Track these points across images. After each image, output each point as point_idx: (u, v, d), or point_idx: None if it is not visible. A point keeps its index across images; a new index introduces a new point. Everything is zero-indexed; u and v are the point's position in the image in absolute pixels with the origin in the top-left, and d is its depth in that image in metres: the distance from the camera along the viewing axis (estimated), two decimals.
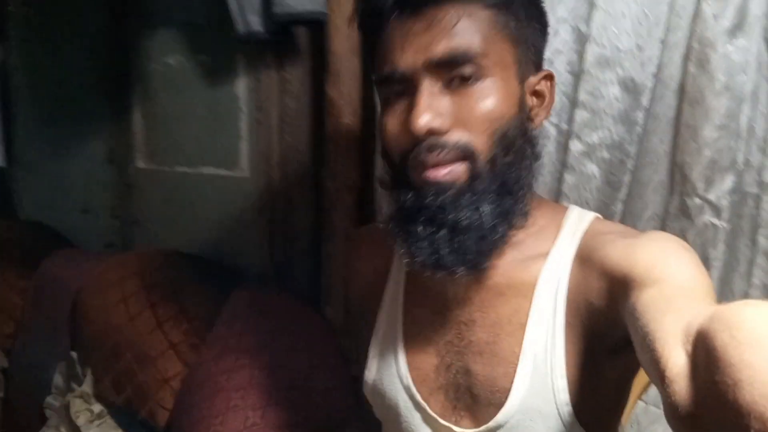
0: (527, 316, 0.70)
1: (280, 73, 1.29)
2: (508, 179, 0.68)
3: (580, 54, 0.99)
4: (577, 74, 0.99)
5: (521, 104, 0.70)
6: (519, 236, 0.73)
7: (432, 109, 0.65)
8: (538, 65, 0.74)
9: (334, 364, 1.15)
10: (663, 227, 0.96)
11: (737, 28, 0.84)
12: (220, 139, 1.40)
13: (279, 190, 1.34)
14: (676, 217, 0.93)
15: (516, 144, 0.68)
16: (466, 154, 0.66)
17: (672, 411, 0.44)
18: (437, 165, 0.66)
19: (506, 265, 0.73)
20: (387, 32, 0.69)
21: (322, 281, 1.28)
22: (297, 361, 1.12)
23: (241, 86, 1.36)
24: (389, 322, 0.82)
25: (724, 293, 0.95)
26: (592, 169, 1.01)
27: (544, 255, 0.72)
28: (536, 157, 0.73)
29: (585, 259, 0.68)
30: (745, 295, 0.93)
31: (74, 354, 1.39)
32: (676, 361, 0.44)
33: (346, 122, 1.18)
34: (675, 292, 0.54)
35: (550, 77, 0.74)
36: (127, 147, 1.54)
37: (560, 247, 0.72)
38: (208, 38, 1.35)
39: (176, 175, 1.48)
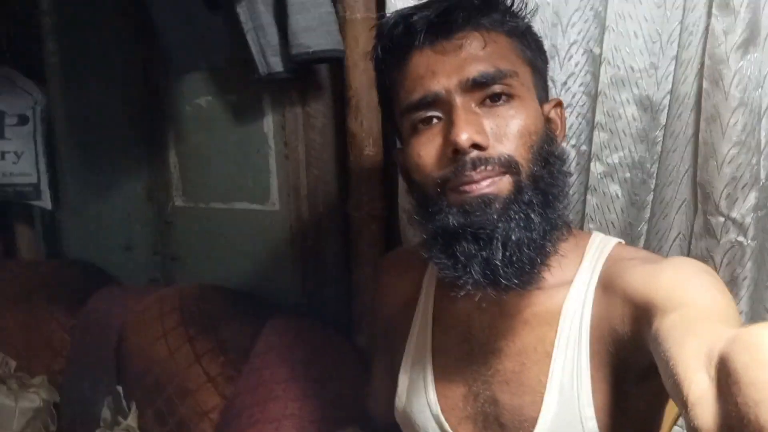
0: (553, 344, 0.71)
1: (304, 108, 1.32)
2: (549, 191, 0.69)
3: (595, 76, 0.99)
4: (593, 96, 1.00)
5: (545, 124, 0.73)
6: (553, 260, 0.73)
7: (473, 124, 0.66)
8: (547, 94, 0.78)
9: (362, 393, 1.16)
10: (689, 247, 0.95)
11: (749, 42, 0.83)
12: (250, 174, 1.44)
13: (308, 222, 1.37)
14: (702, 236, 0.92)
15: (550, 159, 0.70)
16: (510, 167, 0.67)
17: None
18: (482, 180, 0.66)
19: (530, 294, 0.73)
20: (413, 62, 0.71)
21: (352, 310, 1.30)
22: (328, 391, 1.14)
23: (268, 123, 1.40)
24: (418, 349, 0.82)
25: (758, 311, 0.93)
26: (615, 189, 1.00)
27: (568, 283, 0.72)
28: (567, 173, 0.75)
29: (608, 286, 0.69)
30: None
31: (120, 388, 1.44)
32: (699, 384, 0.44)
33: (368, 153, 1.20)
34: (697, 315, 0.53)
35: (560, 104, 0.77)
36: (164, 185, 1.60)
37: (583, 275, 0.72)
38: (234, 79, 1.40)
39: (211, 211, 1.53)
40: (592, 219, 1.03)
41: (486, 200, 0.66)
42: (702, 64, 0.89)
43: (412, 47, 0.71)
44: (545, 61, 0.79)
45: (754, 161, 0.86)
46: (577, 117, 1.02)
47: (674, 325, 0.53)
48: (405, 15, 0.72)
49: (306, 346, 1.24)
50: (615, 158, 0.99)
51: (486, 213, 0.66)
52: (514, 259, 0.65)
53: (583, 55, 1.00)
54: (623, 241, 0.77)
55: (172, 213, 1.61)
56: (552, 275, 0.72)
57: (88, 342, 1.57)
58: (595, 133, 1.00)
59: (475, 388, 0.76)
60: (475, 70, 0.67)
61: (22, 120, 1.77)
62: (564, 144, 1.01)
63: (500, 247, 0.65)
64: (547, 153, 0.70)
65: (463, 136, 0.65)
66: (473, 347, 0.77)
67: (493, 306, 0.74)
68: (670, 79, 0.92)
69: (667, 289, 0.59)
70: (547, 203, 0.68)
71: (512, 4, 0.75)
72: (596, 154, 1.00)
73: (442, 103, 0.69)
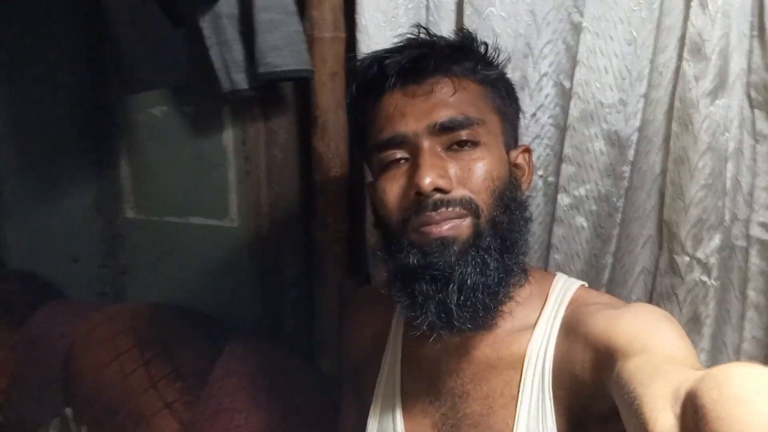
0: (518, 388, 0.71)
1: (267, 124, 1.28)
2: (508, 237, 0.71)
3: (564, 109, 0.99)
4: (562, 128, 1.00)
5: (510, 171, 0.75)
6: (507, 306, 0.73)
7: (436, 169, 0.68)
8: (516, 140, 0.80)
9: (329, 421, 1.15)
10: (653, 283, 0.97)
11: (718, 88, 0.85)
12: (208, 189, 1.40)
13: (269, 240, 1.34)
14: (666, 273, 0.93)
15: (511, 205, 0.72)
16: (470, 210, 0.69)
17: None
18: (442, 222, 0.68)
19: (496, 337, 0.74)
20: (384, 102, 0.73)
21: (315, 333, 1.27)
22: (292, 420, 1.12)
23: (228, 137, 1.35)
24: (387, 392, 0.82)
25: (718, 347, 0.96)
26: (581, 221, 1.01)
27: (532, 326, 0.73)
28: (527, 219, 0.76)
29: (570, 330, 0.69)
30: (738, 349, 0.93)
31: (69, 410, 1.37)
32: (664, 423, 0.44)
33: (335, 174, 1.18)
34: (660, 360, 0.54)
35: (527, 151, 0.80)
36: (114, 196, 1.53)
37: (546, 318, 0.73)
38: (191, 90, 1.35)
39: (165, 224, 1.48)
40: (558, 249, 1.04)
41: (445, 242, 0.68)
42: (671, 104, 0.90)
43: (384, 89, 0.73)
44: (516, 109, 0.81)
45: (720, 204, 0.88)
46: (545, 149, 1.03)
47: (638, 368, 0.53)
48: (379, 58, 0.74)
49: (267, 372, 1.21)
50: (582, 191, 1.00)
51: (444, 255, 0.68)
52: (468, 303, 0.68)
53: (553, 87, 1.00)
54: (586, 284, 0.78)
55: (123, 225, 1.54)
56: (516, 318, 0.74)
57: (33, 360, 1.49)
58: (563, 165, 1.00)
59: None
60: (443, 115, 0.69)
61: None
62: (533, 176, 1.03)
63: (456, 291, 0.67)
64: (508, 199, 0.72)
65: (426, 180, 0.67)
66: (441, 390, 0.77)
67: (459, 349, 0.75)
68: (639, 116, 0.93)
69: (629, 334, 0.60)
70: (504, 249, 0.70)
71: (485, 54, 0.78)
72: (563, 186, 1.01)
73: (409, 144, 0.71)
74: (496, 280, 0.69)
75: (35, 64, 1.58)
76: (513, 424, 0.70)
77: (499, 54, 0.79)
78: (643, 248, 0.97)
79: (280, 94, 1.24)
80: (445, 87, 0.71)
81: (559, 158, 1.01)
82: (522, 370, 0.71)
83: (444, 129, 0.69)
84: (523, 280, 0.73)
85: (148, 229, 1.50)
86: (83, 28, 1.46)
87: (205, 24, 1.09)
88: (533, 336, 0.72)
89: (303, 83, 1.19)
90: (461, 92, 0.71)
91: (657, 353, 0.55)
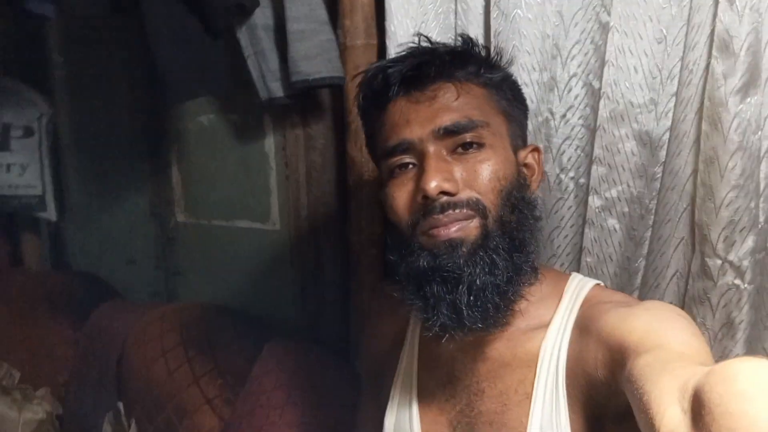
0: (532, 386, 0.71)
1: (305, 130, 1.32)
2: (516, 237, 0.72)
3: (594, 109, 0.98)
4: (592, 129, 0.98)
5: (518, 171, 0.75)
6: (522, 305, 0.73)
7: (442, 172, 0.70)
8: (524, 140, 0.80)
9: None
10: (686, 287, 0.94)
11: (748, 85, 0.82)
12: (252, 193, 1.45)
13: (308, 243, 1.37)
14: (699, 277, 0.91)
15: (519, 205, 0.73)
16: (477, 211, 0.70)
17: None
18: (450, 224, 0.70)
19: (510, 335, 0.75)
20: (389, 111, 0.76)
21: (351, 334, 1.30)
22: (324, 418, 1.14)
23: (269, 143, 1.40)
24: (404, 390, 0.83)
25: (756, 352, 0.92)
26: (613, 223, 0.99)
27: (546, 325, 0.73)
28: (537, 218, 0.77)
29: (583, 328, 0.69)
30: None
31: (120, 404, 1.45)
32: (672, 418, 0.44)
33: (367, 179, 1.20)
34: (671, 356, 0.54)
35: (537, 150, 0.80)
36: (167, 201, 1.61)
37: (560, 317, 0.73)
38: (235, 99, 1.40)
39: (213, 228, 1.54)
40: (590, 252, 1.02)
41: (453, 244, 0.69)
42: (701, 103, 0.88)
43: (388, 98, 0.75)
44: (524, 110, 0.82)
45: (752, 205, 0.85)
46: (576, 150, 1.01)
47: (648, 364, 0.53)
48: (383, 67, 0.76)
49: (303, 372, 1.24)
50: (613, 192, 0.98)
51: (453, 257, 0.69)
52: (479, 303, 0.69)
53: (582, 88, 0.99)
54: (602, 283, 0.78)
55: (175, 228, 1.62)
56: (530, 317, 0.75)
57: (90, 356, 1.58)
58: (594, 166, 0.99)
59: (459, 430, 0.77)
60: (447, 119, 0.71)
61: (28, 132, 1.78)
62: (562, 176, 1.02)
63: (465, 291, 0.69)
64: (516, 199, 0.73)
65: (432, 184, 0.68)
66: (457, 388, 0.78)
67: (474, 348, 0.76)
68: (670, 115, 0.91)
69: (641, 331, 0.60)
70: (513, 248, 0.71)
71: (487, 57, 0.79)
72: (594, 188, 0.99)
73: (415, 150, 0.72)
74: (505, 279, 0.70)
75: (96, 78, 1.68)
76: (527, 422, 0.70)
77: (501, 57, 0.79)
78: (676, 251, 0.95)
79: (317, 101, 1.27)
80: (448, 92, 0.72)
81: (590, 159, 0.99)
82: (536, 369, 0.71)
83: (448, 133, 0.71)
84: (533, 279, 0.74)
85: (198, 232, 1.56)
86: (138, 43, 1.54)
87: (242, 35, 1.14)
88: (547, 334, 0.72)
89: (338, 89, 1.22)
90: (464, 96, 0.72)
91: (668, 350, 0.55)
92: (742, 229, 0.85)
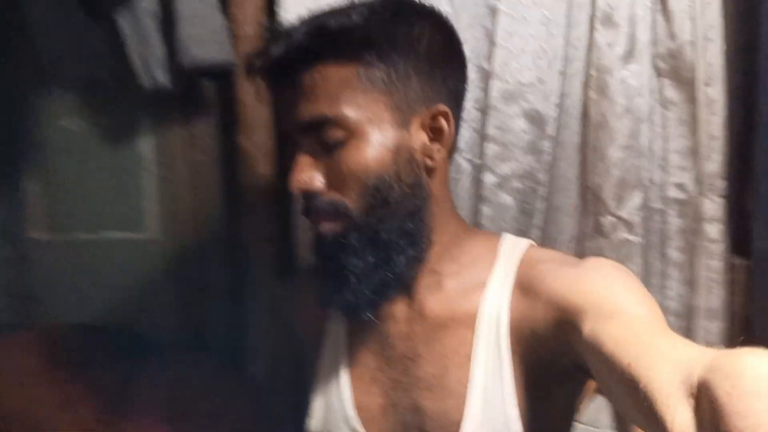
0: (472, 346, 0.70)
1: (187, 128, 1.25)
2: (384, 229, 0.70)
3: (485, 90, 1.03)
4: (484, 110, 1.04)
5: (403, 151, 0.70)
6: (453, 267, 0.74)
7: (307, 171, 0.70)
8: (431, 99, 0.72)
9: (262, 427, 1.09)
10: (581, 248, 1.00)
11: (629, 54, 0.92)
12: (122, 201, 1.33)
13: (191, 248, 1.28)
14: (592, 236, 0.98)
15: (393, 195, 0.69)
16: (339, 212, 0.69)
17: None
18: (317, 221, 0.71)
19: (446, 296, 0.73)
20: (273, 95, 0.80)
21: (246, 340, 1.22)
22: (221, 428, 1.05)
23: (145, 145, 1.30)
24: (332, 364, 0.79)
25: None
26: (506, 199, 1.04)
27: (483, 284, 0.72)
28: (423, 198, 0.72)
29: (527, 289, 0.69)
30: (662, 308, 0.97)
31: None
32: (683, 417, 0.42)
33: (261, 172, 1.16)
34: (642, 326, 0.54)
35: (444, 113, 0.72)
36: (18, 217, 1.43)
37: (498, 276, 0.72)
38: (107, 98, 1.29)
39: (76, 243, 1.38)
40: (485, 228, 1.06)
41: (326, 238, 0.71)
42: (587, 75, 0.96)
43: (268, 83, 0.76)
44: (413, 65, 0.70)
45: (638, 163, 0.93)
46: (470, 131, 1.06)
47: (622, 336, 0.52)
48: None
49: (193, 382, 1.14)
50: (506, 169, 1.04)
51: (327, 250, 0.71)
52: (351, 291, 0.70)
53: (474, 71, 1.04)
54: (534, 243, 0.78)
55: (28, 247, 1.43)
56: (465, 277, 0.74)
57: None
58: (487, 145, 1.03)
59: (395, 398, 0.74)
60: (305, 115, 0.69)
61: None
62: (458, 157, 1.05)
63: (340, 280, 0.70)
64: (389, 187, 0.69)
65: (295, 184, 0.70)
66: (391, 356, 0.75)
67: (407, 313, 0.74)
68: (557, 91, 0.99)
69: (596, 294, 0.60)
70: (382, 241, 0.70)
71: (345, 30, 0.69)
72: (488, 166, 1.04)
73: (293, 139, 0.72)
74: (371, 273, 0.70)
75: None
76: (468, 383, 0.69)
77: (371, 32, 0.69)
78: (568, 217, 1.01)
79: (202, 95, 1.22)
80: (309, 81, 0.68)
81: (483, 139, 1.04)
82: (474, 329, 0.70)
83: (308, 128, 0.70)
84: (421, 251, 0.73)
85: (56, 249, 1.40)
86: None
87: (123, 18, 1.06)
88: (486, 294, 0.71)
89: (223, 84, 1.18)
90: (323, 84, 0.68)
91: (633, 316, 0.56)
92: (631, 186, 0.93)
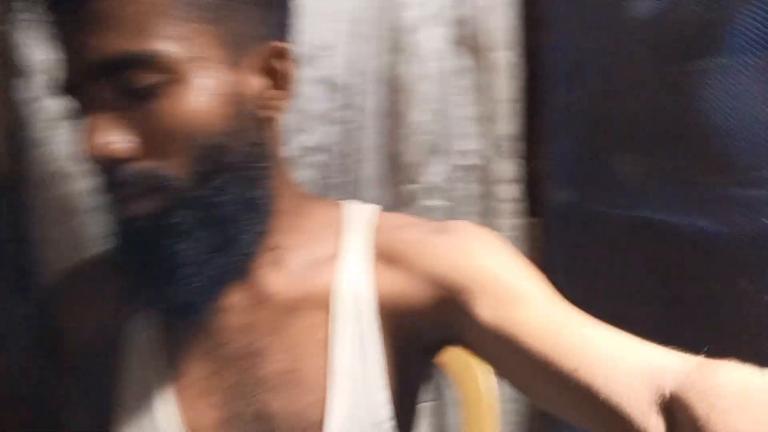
0: (328, 329, 0.60)
1: None
2: (221, 202, 0.55)
3: None
4: None
5: (238, 99, 0.55)
6: (296, 240, 0.62)
7: (106, 131, 0.50)
8: (265, 35, 0.57)
9: None
10: None
11: (425, 17, 0.92)
12: None
13: None
14: (396, 206, 0.96)
15: (230, 157, 0.54)
16: (157, 184, 0.52)
17: None
18: (125, 200, 0.52)
19: (292, 275, 0.61)
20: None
21: None
22: None
23: None
24: (145, 380, 0.62)
25: None
26: (308, 173, 0.97)
27: (333, 257, 0.62)
28: (265, 158, 0.58)
29: (391, 259, 0.61)
30: None
31: None
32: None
33: None
34: (559, 317, 0.52)
35: (280, 51, 0.57)
36: None
37: (351, 247, 0.62)
38: None
39: None
40: None
41: (139, 221, 0.53)
42: (383, 37, 0.94)
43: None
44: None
45: (438, 128, 0.94)
46: None
47: (543, 328, 0.51)
48: None
49: None
50: (305, 140, 0.96)
51: (142, 236, 0.53)
52: (190, 289, 0.54)
53: None
54: (380, 207, 0.68)
55: None
56: (308, 251, 0.62)
57: None
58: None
59: (234, 408, 0.61)
60: (102, 49, 0.49)
61: None
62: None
63: (170, 277, 0.54)
64: (223, 147, 0.54)
65: (90, 151, 0.50)
66: (229, 356, 0.61)
67: (243, 300, 0.61)
68: (353, 56, 0.95)
69: (481, 271, 0.57)
70: (217, 216, 0.55)
71: None
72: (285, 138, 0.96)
73: (79, 93, 0.52)
74: (204, 259, 0.55)
75: None
76: (328, 372, 0.59)
77: None
78: (370, 187, 0.98)
79: None
80: (99, 5, 0.49)
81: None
82: (329, 307, 0.60)
83: (104, 71, 0.50)
84: (265, 225, 0.60)
85: None
86: None
87: None
88: (339, 268, 0.61)
89: None
90: (125, 7, 0.50)
91: (539, 301, 0.54)
92: (433, 151, 0.93)
